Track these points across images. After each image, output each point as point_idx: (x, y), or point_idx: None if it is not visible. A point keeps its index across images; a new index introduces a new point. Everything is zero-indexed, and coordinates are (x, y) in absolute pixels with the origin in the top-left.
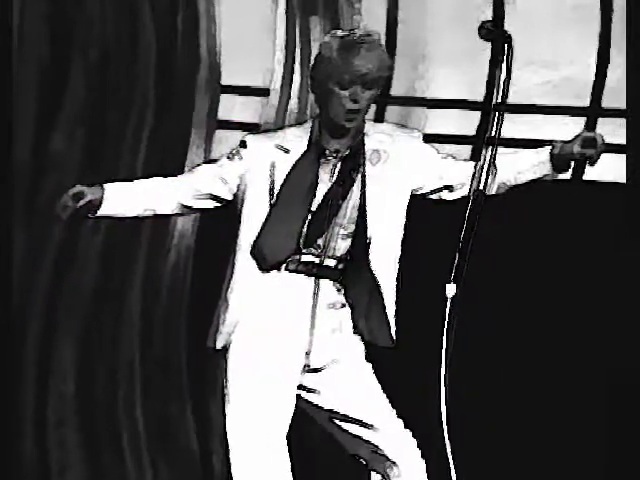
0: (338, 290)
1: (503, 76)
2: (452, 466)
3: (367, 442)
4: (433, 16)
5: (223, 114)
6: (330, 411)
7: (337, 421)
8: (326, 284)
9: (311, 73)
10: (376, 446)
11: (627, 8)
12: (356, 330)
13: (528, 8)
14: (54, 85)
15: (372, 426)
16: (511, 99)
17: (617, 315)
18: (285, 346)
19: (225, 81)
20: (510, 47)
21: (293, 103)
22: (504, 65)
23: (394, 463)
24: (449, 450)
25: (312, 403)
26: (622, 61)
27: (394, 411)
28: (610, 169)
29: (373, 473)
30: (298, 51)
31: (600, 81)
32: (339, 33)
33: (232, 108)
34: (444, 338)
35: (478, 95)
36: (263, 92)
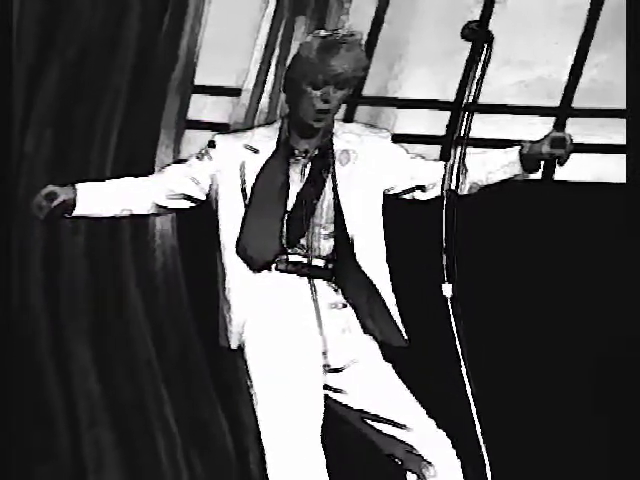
0: (335, 290)
1: (477, 76)
2: (487, 466)
3: (402, 442)
4: (422, 16)
5: (193, 114)
6: (360, 411)
7: (369, 421)
8: (321, 284)
9: (286, 73)
10: (411, 446)
11: (627, 8)
12: (366, 330)
13: (519, 8)
14: (31, 84)
15: (405, 426)
16: (484, 99)
17: (615, 314)
18: (301, 345)
19: (201, 81)
20: (490, 47)
21: (264, 103)
22: (480, 65)
23: (430, 463)
24: (483, 448)
25: (341, 403)
26: (600, 61)
27: (424, 411)
28: (581, 169)
29: (409, 473)
30: (277, 51)
31: (573, 81)
32: (322, 33)
33: (203, 108)
34: (455, 337)
35: (450, 95)
36: (235, 92)
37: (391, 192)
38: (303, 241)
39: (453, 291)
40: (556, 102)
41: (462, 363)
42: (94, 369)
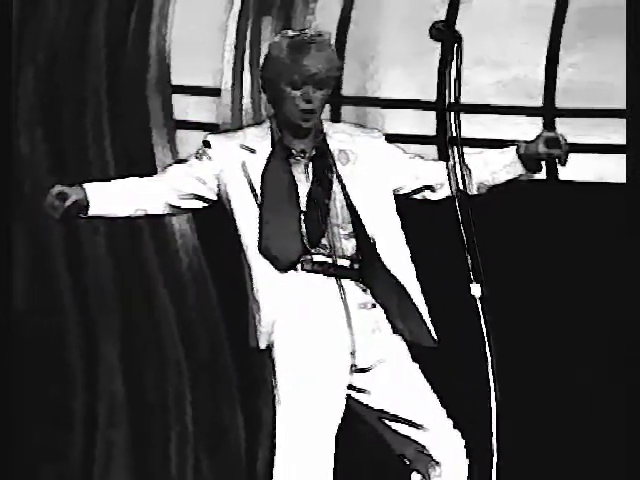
0: (363, 290)
1: (453, 76)
2: (494, 467)
3: (415, 442)
4: (387, 16)
5: (179, 114)
6: (380, 411)
7: (387, 421)
8: (349, 284)
9: (261, 73)
10: (423, 446)
11: (627, 8)
12: (395, 330)
13: (484, 8)
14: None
15: (421, 426)
16: (465, 99)
17: (616, 314)
18: (330, 346)
19: (176, 81)
20: (460, 47)
21: (246, 103)
22: (454, 65)
23: (437, 463)
24: (495, 450)
25: (362, 403)
26: (574, 61)
27: (444, 410)
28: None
29: (414, 473)
30: (248, 51)
31: (551, 81)
32: (289, 33)
33: (186, 108)
34: (485, 338)
35: (429, 95)
36: (214, 92)
37: (400, 192)
38: (324, 241)
39: (482, 291)
40: (535, 102)
41: (490, 363)
42: (120, 369)
